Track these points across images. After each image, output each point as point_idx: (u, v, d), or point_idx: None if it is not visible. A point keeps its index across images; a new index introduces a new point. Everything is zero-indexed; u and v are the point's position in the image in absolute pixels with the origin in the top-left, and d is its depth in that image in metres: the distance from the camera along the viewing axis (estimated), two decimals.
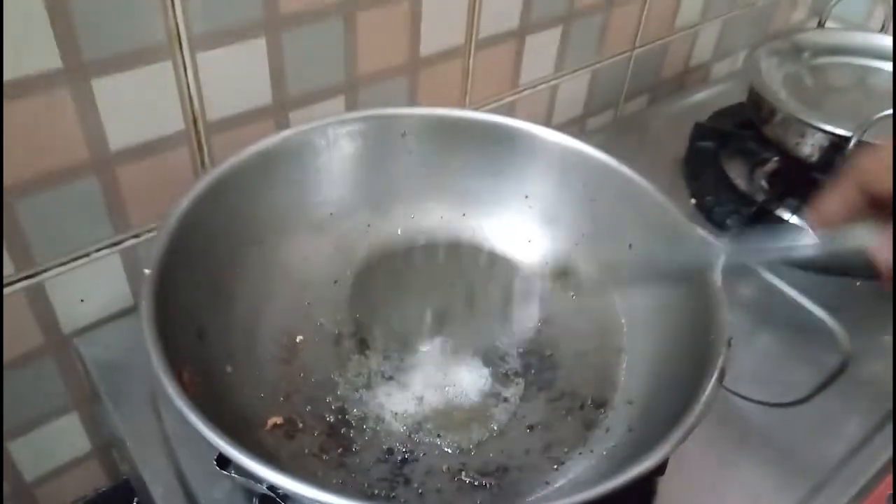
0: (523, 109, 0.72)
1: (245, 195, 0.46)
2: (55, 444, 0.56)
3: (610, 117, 0.83)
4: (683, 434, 0.33)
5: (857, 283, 0.61)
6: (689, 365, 0.41)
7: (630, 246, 0.48)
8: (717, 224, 0.65)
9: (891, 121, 0.56)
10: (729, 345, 0.38)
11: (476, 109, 0.67)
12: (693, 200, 0.68)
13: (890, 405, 0.52)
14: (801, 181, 0.65)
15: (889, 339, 0.58)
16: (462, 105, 0.66)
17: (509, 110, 0.71)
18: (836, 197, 0.31)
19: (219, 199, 0.44)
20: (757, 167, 0.73)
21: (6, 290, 0.46)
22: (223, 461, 0.36)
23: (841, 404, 0.52)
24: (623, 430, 0.41)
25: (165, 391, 0.32)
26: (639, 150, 0.76)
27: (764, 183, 0.70)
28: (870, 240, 0.30)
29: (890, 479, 0.49)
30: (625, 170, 0.48)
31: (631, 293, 0.48)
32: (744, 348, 0.56)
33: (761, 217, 0.64)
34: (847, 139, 0.58)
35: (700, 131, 0.73)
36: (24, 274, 0.47)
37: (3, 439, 0.52)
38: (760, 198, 0.68)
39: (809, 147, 0.61)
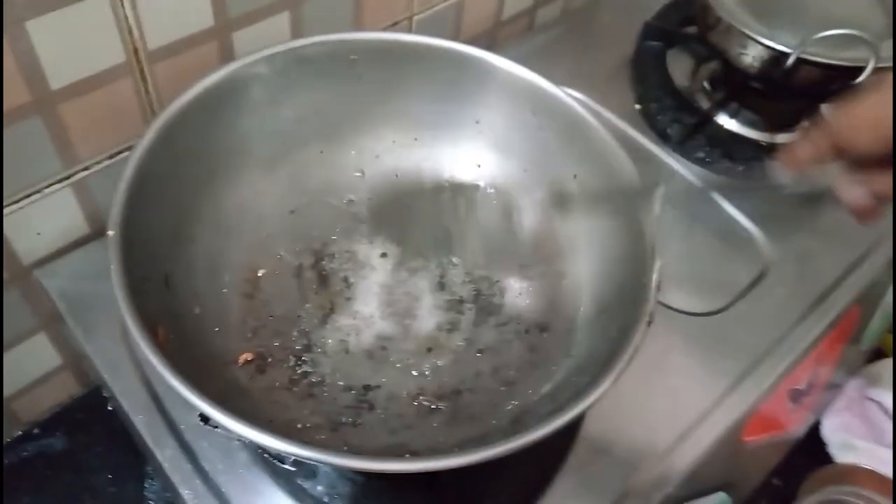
0: (473, 6, 0.70)
1: (195, 135, 0.46)
2: (26, 362, 0.58)
3: (559, 8, 0.81)
4: (613, 378, 0.37)
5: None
6: (624, 294, 0.45)
7: (574, 176, 0.50)
8: (659, 133, 0.67)
9: (830, 40, 0.57)
10: (658, 289, 0.41)
11: (424, 11, 0.65)
12: (638, 106, 0.70)
13: (804, 307, 0.58)
14: (742, 88, 0.67)
15: (808, 244, 0.63)
16: (410, 8, 0.64)
17: (459, 9, 0.69)
18: (808, 144, 0.34)
19: (170, 144, 0.43)
20: (700, 66, 0.74)
21: None
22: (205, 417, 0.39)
23: (758, 308, 0.57)
24: (562, 354, 0.46)
25: (147, 358, 0.34)
26: (587, 48, 0.76)
27: (706, 85, 0.72)
28: (835, 179, 0.33)
29: (792, 376, 0.56)
30: (572, 103, 0.49)
31: (572, 221, 0.51)
32: (669, 257, 0.60)
33: (702, 127, 0.66)
34: (787, 55, 0.59)
35: (648, 31, 0.73)
36: None
37: None
38: (703, 102, 0.70)
39: (751, 58, 0.63)
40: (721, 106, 0.68)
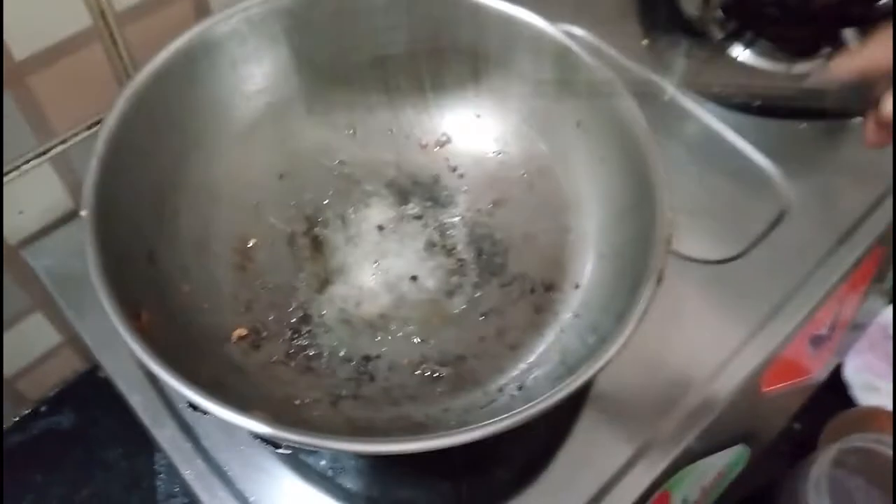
0: None
1: (172, 100, 0.43)
2: (26, 341, 0.57)
3: None
4: (622, 341, 0.35)
5: (801, 126, 0.61)
6: (632, 249, 0.43)
7: (578, 123, 0.47)
8: (669, 69, 0.63)
9: None
10: (669, 244, 0.39)
11: None
12: (645, 41, 0.66)
13: (825, 249, 0.55)
14: (756, 16, 0.63)
15: (829, 182, 0.59)
16: None
17: None
18: (868, 53, 0.37)
19: (144, 113, 0.41)
20: None
21: None
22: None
23: (777, 252, 0.55)
24: (570, 315, 0.44)
25: (130, 347, 0.33)
26: None
27: (719, 13, 0.68)
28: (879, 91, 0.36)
29: (814, 321, 0.54)
30: (568, 42, 0.46)
31: (576, 172, 0.48)
32: (681, 199, 0.57)
33: (716, 60, 0.63)
34: None
35: None
36: None
37: None
38: (715, 34, 0.66)
39: None
40: (735, 36, 0.64)
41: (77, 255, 0.49)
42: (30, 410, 0.62)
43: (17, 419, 0.61)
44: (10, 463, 0.60)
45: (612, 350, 0.35)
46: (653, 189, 0.41)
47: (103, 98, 0.48)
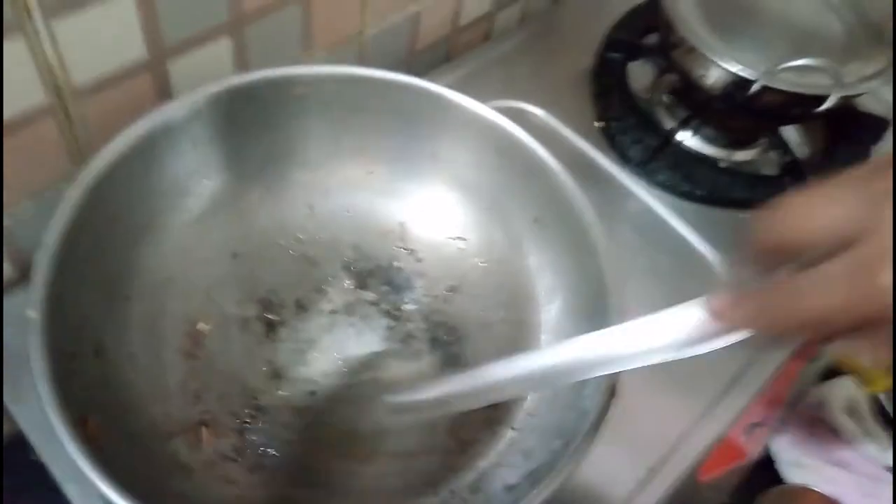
0: (429, 17, 0.67)
1: (128, 186, 0.42)
2: None
3: (519, 12, 0.78)
4: (575, 463, 0.36)
5: (742, 215, 0.64)
6: None
7: (535, 220, 0.48)
8: (619, 153, 0.65)
9: (796, 70, 0.56)
10: (612, 395, 0.39)
11: (378, 24, 0.62)
12: (598, 124, 0.68)
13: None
14: (702, 107, 0.65)
15: None
16: (363, 23, 0.60)
17: (414, 20, 0.65)
18: (744, 313, 0.27)
19: (99, 201, 0.40)
20: (661, 77, 0.72)
21: None
22: None
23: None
24: (524, 415, 0.44)
25: (76, 461, 0.32)
26: (547, 57, 0.73)
27: (666, 98, 0.70)
28: None
29: (753, 410, 0.56)
30: (534, 145, 0.47)
31: (532, 265, 0.49)
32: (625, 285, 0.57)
33: (664, 147, 0.65)
34: (751, 82, 0.58)
35: (610, 43, 0.71)
36: None
37: None
38: (664, 118, 0.69)
39: (713, 80, 0.61)
40: (683, 124, 0.67)
41: (15, 327, 0.48)
42: None
43: None
44: None
45: (558, 479, 0.35)
46: (606, 295, 0.42)
47: (52, 172, 0.47)
